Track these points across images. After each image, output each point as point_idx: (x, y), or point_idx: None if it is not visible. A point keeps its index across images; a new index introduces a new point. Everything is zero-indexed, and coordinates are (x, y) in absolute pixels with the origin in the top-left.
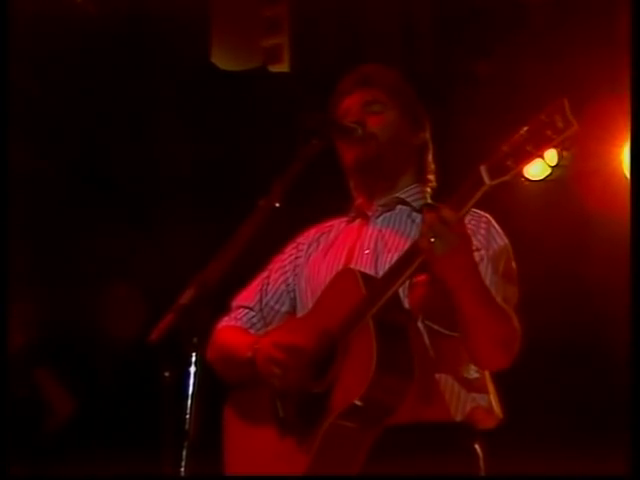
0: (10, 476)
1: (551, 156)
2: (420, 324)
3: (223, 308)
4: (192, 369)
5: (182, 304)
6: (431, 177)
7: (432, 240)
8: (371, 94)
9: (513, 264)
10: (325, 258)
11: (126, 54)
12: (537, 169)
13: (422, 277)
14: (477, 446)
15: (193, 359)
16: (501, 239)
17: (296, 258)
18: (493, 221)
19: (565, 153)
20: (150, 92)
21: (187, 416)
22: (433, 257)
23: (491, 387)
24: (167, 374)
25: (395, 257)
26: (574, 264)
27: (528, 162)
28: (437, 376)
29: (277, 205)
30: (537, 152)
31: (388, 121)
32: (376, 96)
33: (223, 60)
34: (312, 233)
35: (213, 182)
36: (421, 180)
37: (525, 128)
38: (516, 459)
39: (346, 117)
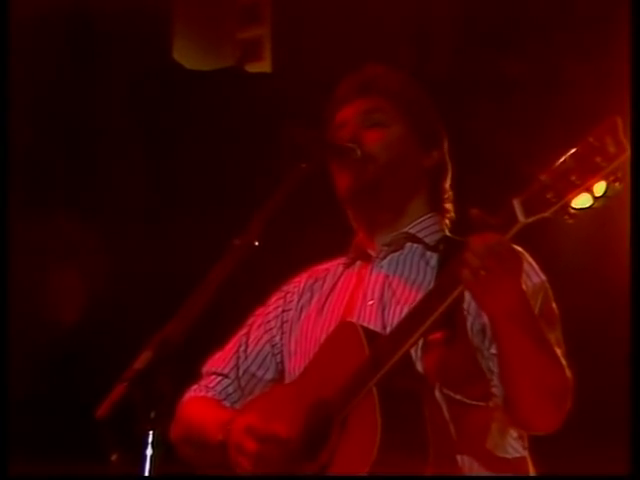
0: (10, 476)
1: (599, 188)
2: (438, 393)
3: (190, 375)
4: (148, 451)
5: (137, 369)
6: (449, 206)
7: (482, 273)
8: (372, 103)
9: (554, 305)
10: (321, 313)
11: (76, 52)
12: (580, 199)
13: (439, 335)
14: None
15: (150, 439)
16: (537, 276)
17: (283, 312)
18: (527, 256)
19: (618, 185)
20: (101, 92)
21: None
22: (481, 290)
23: (532, 468)
24: (114, 457)
25: (406, 310)
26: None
27: (573, 196)
28: (459, 458)
29: (256, 244)
30: (584, 183)
31: (391, 138)
32: (378, 106)
33: (188, 57)
34: (303, 280)
35: (174, 186)
36: (436, 209)
37: (569, 153)
38: None
39: (341, 132)
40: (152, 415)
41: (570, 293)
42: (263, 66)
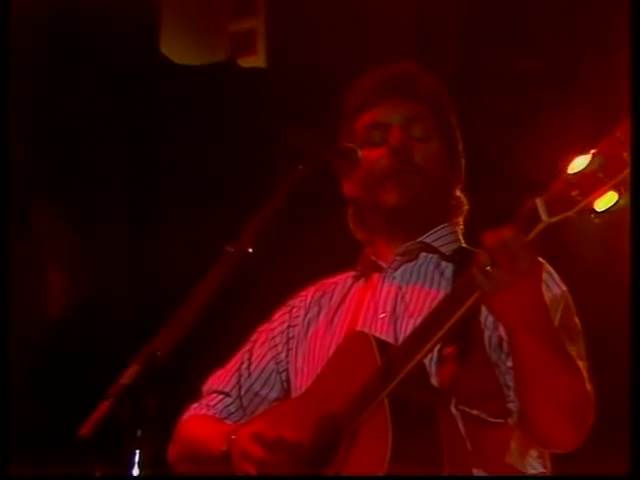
0: (10, 476)
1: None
2: (453, 409)
3: (180, 391)
4: (135, 471)
5: (123, 385)
6: (460, 217)
7: (488, 269)
8: (417, 110)
9: (575, 318)
10: (329, 327)
11: (67, 51)
12: (603, 200)
13: (454, 349)
14: None
15: (136, 458)
16: (557, 286)
17: (289, 327)
18: (547, 265)
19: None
20: (92, 91)
21: None
22: (490, 293)
23: None
24: (99, 476)
25: (419, 322)
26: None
27: (600, 194)
28: (475, 471)
29: (250, 251)
30: (611, 180)
31: (432, 152)
32: (422, 114)
33: (177, 51)
34: (310, 294)
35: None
36: (450, 219)
37: (596, 149)
38: None
39: (386, 134)
40: (139, 434)
41: (571, 294)
42: (257, 60)
